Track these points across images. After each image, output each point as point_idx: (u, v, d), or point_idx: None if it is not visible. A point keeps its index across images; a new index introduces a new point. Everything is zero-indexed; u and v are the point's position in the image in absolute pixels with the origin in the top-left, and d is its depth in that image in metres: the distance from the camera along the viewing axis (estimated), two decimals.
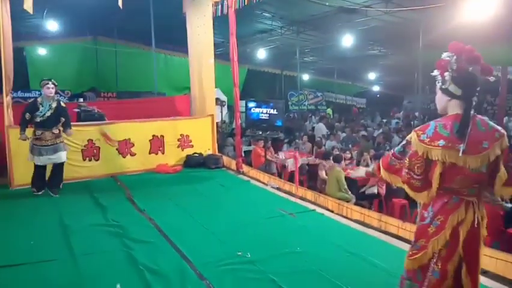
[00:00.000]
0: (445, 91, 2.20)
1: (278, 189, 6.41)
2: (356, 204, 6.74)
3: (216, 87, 9.15)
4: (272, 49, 16.46)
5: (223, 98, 14.01)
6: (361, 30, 11.92)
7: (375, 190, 7.51)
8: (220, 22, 8.72)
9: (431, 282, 2.15)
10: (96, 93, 14.19)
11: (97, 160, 7.00)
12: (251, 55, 16.79)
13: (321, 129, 13.51)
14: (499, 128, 2.15)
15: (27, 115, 5.56)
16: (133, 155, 7.33)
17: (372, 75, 21.94)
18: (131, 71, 14.91)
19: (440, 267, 2.13)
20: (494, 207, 5.63)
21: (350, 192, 7.39)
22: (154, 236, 4.29)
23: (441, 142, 2.05)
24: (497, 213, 5.70)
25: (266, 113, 9.56)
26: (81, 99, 12.24)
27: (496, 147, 2.05)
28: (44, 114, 5.57)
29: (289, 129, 15.13)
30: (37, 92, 13.91)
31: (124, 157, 7.23)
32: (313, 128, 16.03)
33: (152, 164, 7.46)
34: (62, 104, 5.81)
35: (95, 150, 6.94)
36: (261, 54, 16.48)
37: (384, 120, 17.77)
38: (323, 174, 8.17)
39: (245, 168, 7.66)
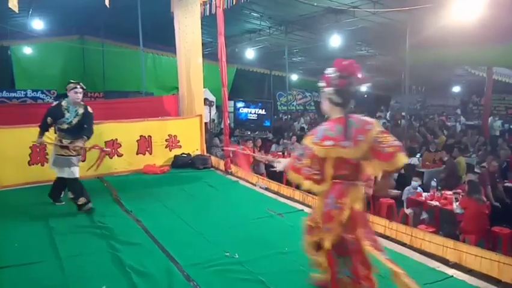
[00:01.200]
0: (329, 100, 2.74)
1: (267, 189, 6.41)
2: None
3: (204, 87, 9.12)
4: (261, 49, 16.45)
5: (212, 98, 13.96)
6: (349, 30, 11.97)
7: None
8: (208, 22, 8.69)
9: (352, 250, 2.70)
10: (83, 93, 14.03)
11: (83, 161, 6.90)
12: (240, 55, 16.76)
13: None
14: (370, 120, 2.67)
15: (49, 119, 5.02)
16: (120, 155, 7.26)
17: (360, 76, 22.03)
18: (118, 70, 14.79)
19: (352, 237, 2.68)
20: (480, 207, 5.72)
21: None
22: (141, 237, 4.26)
23: (329, 142, 2.60)
24: (483, 212, 5.80)
25: (255, 113, 9.54)
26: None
27: (368, 137, 2.56)
28: (71, 121, 5.02)
29: (278, 129, 15.15)
30: (23, 92, 13.75)
31: (111, 158, 7.15)
32: (301, 128, 16.08)
33: (139, 165, 7.40)
34: (90, 110, 5.21)
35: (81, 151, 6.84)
36: (250, 54, 16.46)
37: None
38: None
39: (233, 168, 7.64)
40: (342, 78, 2.69)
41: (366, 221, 2.83)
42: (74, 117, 5.04)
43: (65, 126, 5.00)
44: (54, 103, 5.19)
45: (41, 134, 5.12)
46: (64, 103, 5.06)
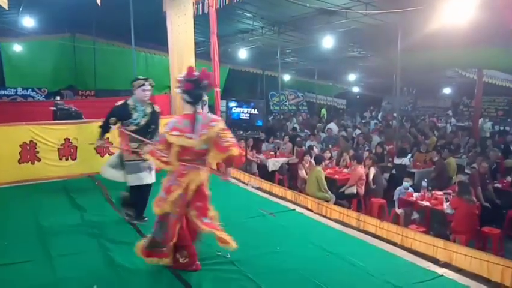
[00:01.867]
0: (182, 98, 3.43)
1: (259, 189, 6.41)
2: (335, 203, 6.81)
3: None
4: (253, 49, 16.45)
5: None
6: (341, 31, 12.01)
7: (354, 190, 7.60)
8: (201, 21, 8.68)
9: (172, 220, 3.35)
10: (74, 91, 13.94)
11: (74, 159, 6.86)
12: (232, 55, 16.74)
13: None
14: (216, 117, 3.50)
15: (113, 120, 4.56)
16: (111, 154, 7.19)
17: (352, 77, 22.16)
18: (110, 69, 14.69)
19: (177, 210, 3.35)
20: (470, 207, 5.77)
21: (329, 192, 7.47)
22: (132, 236, 4.23)
23: (176, 132, 3.27)
24: (473, 212, 5.85)
25: (247, 112, 9.55)
26: (58, 97, 12.00)
27: (211, 132, 3.28)
28: (139, 122, 4.53)
29: (270, 129, 15.17)
30: (13, 90, 13.60)
31: (102, 156, 7.10)
32: (294, 128, 16.12)
33: None
34: (157, 109, 4.78)
35: (71, 150, 6.80)
36: (242, 54, 16.45)
37: (363, 121, 17.99)
38: (303, 173, 8.23)
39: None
40: (188, 82, 3.37)
41: (203, 198, 3.46)
42: (143, 117, 4.54)
43: (133, 127, 4.49)
44: (120, 102, 4.58)
45: (102, 135, 4.69)
46: (130, 102, 4.54)
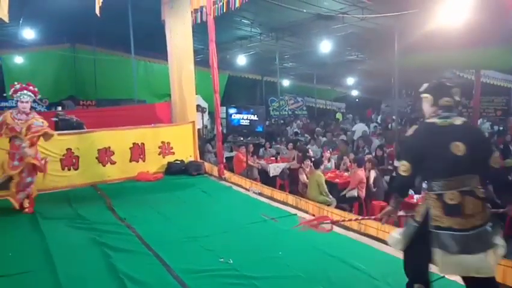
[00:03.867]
0: None
1: (260, 194, 6.44)
2: (336, 207, 6.84)
3: (196, 93, 9.16)
4: (252, 55, 16.54)
5: (204, 104, 13.98)
6: (338, 36, 12.10)
7: (355, 193, 7.63)
8: (199, 29, 8.75)
9: None
10: (75, 101, 14.00)
11: (76, 169, 6.91)
12: (231, 61, 16.83)
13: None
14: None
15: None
16: (113, 163, 7.26)
17: (350, 80, 22.25)
18: (110, 78, 14.75)
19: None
20: None
21: (330, 196, 7.49)
22: (135, 244, 4.27)
23: None
24: None
25: (247, 119, 9.58)
26: (59, 108, 12.07)
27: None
28: None
29: (271, 134, 15.22)
30: (14, 101, 13.65)
31: (104, 165, 7.16)
32: (295, 133, 16.20)
33: (133, 172, 7.40)
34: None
35: (74, 160, 6.86)
36: (241, 60, 16.53)
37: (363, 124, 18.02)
38: (303, 178, 8.26)
39: (227, 174, 7.67)
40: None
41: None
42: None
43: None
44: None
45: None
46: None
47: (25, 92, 5.34)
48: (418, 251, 2.69)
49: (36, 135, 5.42)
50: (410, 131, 2.83)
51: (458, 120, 2.67)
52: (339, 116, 22.59)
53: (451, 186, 2.57)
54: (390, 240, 2.97)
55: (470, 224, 2.53)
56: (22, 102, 5.32)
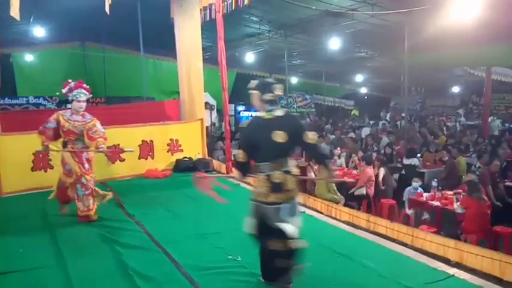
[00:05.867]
0: None
1: None
2: (345, 205, 6.82)
3: (205, 91, 9.17)
4: (260, 53, 16.51)
5: (213, 102, 14.01)
6: (348, 33, 12.03)
7: (363, 191, 7.60)
8: (208, 26, 8.76)
9: None
10: None
11: None
12: (240, 59, 16.82)
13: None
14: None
15: None
16: (122, 160, 7.31)
17: (359, 77, 22.13)
18: (120, 76, 14.84)
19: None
20: (481, 206, 5.74)
21: (339, 194, 7.47)
22: (144, 241, 4.30)
23: None
24: (484, 211, 5.82)
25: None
26: (69, 105, 12.15)
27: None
28: None
29: None
30: (25, 99, 13.80)
31: (113, 163, 7.20)
32: None
33: (141, 169, 7.45)
34: None
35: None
36: (250, 57, 16.52)
37: (372, 122, 17.95)
38: (312, 175, 8.23)
39: (235, 171, 7.66)
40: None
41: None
42: None
43: None
44: None
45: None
46: None
47: (81, 90, 4.87)
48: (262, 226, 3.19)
49: (102, 142, 4.94)
50: (244, 124, 3.41)
51: (280, 112, 3.20)
52: (355, 112, 22.57)
53: (275, 167, 3.08)
54: (246, 225, 3.34)
55: (289, 197, 3.11)
56: (79, 101, 4.86)
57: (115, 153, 6.58)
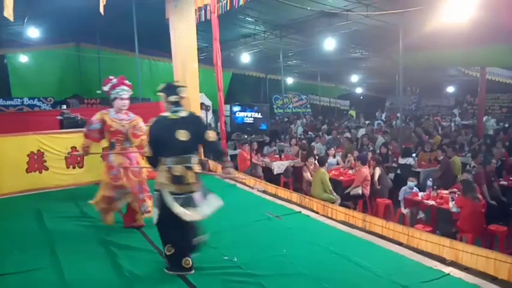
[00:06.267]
0: None
1: (264, 192, 6.44)
2: (341, 205, 6.83)
3: (200, 92, 9.16)
4: (256, 53, 16.53)
5: (208, 102, 14.00)
6: (343, 33, 12.07)
7: (359, 191, 7.61)
8: (203, 27, 8.75)
9: None
10: (79, 99, 14.06)
11: (81, 167, 6.94)
12: (235, 59, 16.83)
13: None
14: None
15: None
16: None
17: (354, 78, 22.20)
18: (115, 76, 14.80)
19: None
20: (476, 206, 5.77)
21: (334, 193, 7.48)
22: (140, 241, 4.29)
23: None
24: (479, 210, 5.85)
25: (251, 116, 9.58)
26: (64, 106, 12.12)
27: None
28: None
29: (275, 132, 15.21)
30: (19, 100, 13.74)
31: None
32: (305, 131, 16.22)
33: None
34: None
35: (79, 158, 6.88)
36: (245, 58, 16.53)
37: (367, 122, 18.01)
38: (307, 175, 8.25)
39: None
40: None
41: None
42: None
43: None
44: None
45: None
46: None
47: (123, 86, 4.61)
48: (165, 216, 3.45)
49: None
50: (151, 123, 3.60)
51: (184, 113, 3.55)
52: (352, 113, 22.60)
53: (178, 162, 3.41)
54: (154, 218, 3.58)
55: (189, 189, 3.44)
56: (122, 99, 4.59)
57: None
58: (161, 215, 3.47)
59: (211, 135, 3.53)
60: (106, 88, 4.63)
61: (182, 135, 3.42)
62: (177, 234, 3.47)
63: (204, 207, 3.48)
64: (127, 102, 4.64)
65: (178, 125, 3.44)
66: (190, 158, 3.47)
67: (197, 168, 3.52)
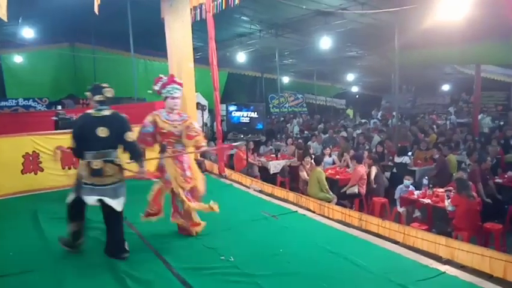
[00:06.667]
0: None
1: (260, 191, 6.44)
2: (337, 204, 6.84)
3: (196, 91, 9.14)
4: (252, 52, 16.51)
5: (204, 102, 13.98)
6: (338, 32, 12.07)
7: (356, 190, 7.62)
8: (199, 26, 8.73)
9: None
10: (75, 100, 13.99)
11: (76, 168, 6.90)
12: (231, 59, 16.81)
13: None
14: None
15: None
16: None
17: (350, 77, 22.22)
18: (110, 77, 14.67)
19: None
20: (471, 204, 5.79)
21: (331, 193, 7.49)
22: (136, 243, 4.28)
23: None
24: (475, 209, 5.87)
25: (247, 116, 9.59)
26: (59, 107, 12.08)
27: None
28: None
29: (271, 131, 15.22)
30: (14, 101, 13.68)
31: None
32: (301, 130, 16.23)
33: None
34: None
35: (74, 159, 6.84)
36: (241, 57, 16.50)
37: (364, 121, 18.04)
38: (304, 175, 8.26)
39: (227, 171, 7.67)
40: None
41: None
42: None
43: None
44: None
45: None
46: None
47: (174, 85, 4.42)
48: (76, 200, 3.85)
49: (202, 139, 4.51)
50: (76, 118, 4.07)
51: (108, 112, 3.87)
52: (349, 112, 22.64)
53: (97, 156, 3.76)
54: (68, 199, 3.93)
55: (109, 180, 3.82)
56: (173, 98, 4.38)
57: (222, 151, 5.59)
58: (75, 200, 3.84)
59: (130, 135, 3.87)
60: (156, 87, 4.47)
61: (103, 132, 3.77)
62: (83, 218, 3.99)
63: (121, 198, 3.93)
64: (178, 101, 4.45)
65: (99, 123, 3.77)
66: (109, 152, 3.82)
67: (117, 161, 3.88)
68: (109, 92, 3.92)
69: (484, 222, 5.80)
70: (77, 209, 3.90)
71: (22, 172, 6.46)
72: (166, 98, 4.40)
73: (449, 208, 6.07)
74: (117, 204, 3.87)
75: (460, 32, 9.02)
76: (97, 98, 3.86)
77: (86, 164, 3.75)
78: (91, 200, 3.75)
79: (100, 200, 3.80)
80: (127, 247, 3.97)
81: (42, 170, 6.58)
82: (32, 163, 6.51)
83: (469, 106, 19.95)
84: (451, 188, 6.67)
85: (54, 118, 7.54)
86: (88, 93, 3.91)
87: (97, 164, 3.74)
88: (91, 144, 3.75)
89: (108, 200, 3.80)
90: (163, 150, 4.45)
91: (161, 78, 4.47)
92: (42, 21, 11.63)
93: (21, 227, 4.88)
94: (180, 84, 4.49)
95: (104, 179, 3.79)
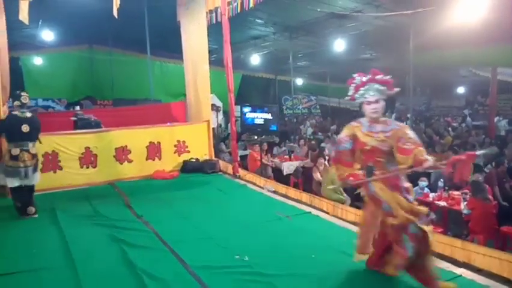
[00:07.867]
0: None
1: (274, 192, 6.48)
2: (351, 205, 6.83)
3: (211, 93, 9.24)
4: (266, 55, 16.58)
5: (219, 103, 14.06)
6: (353, 34, 12.06)
7: None
8: (214, 29, 8.81)
9: None
10: (92, 101, 14.22)
11: (94, 167, 7.05)
12: (245, 61, 16.90)
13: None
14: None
15: None
16: (130, 161, 7.38)
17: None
18: (127, 78, 14.95)
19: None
20: (487, 207, 5.74)
21: (345, 194, 7.49)
22: (152, 241, 4.34)
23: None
24: (491, 212, 5.81)
25: (261, 117, 9.64)
26: (77, 108, 12.29)
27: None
28: None
29: (284, 133, 15.24)
30: (33, 101, 13.95)
31: (121, 164, 7.28)
32: (313, 132, 16.22)
33: (149, 170, 7.51)
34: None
35: (92, 158, 7.00)
36: (255, 59, 16.59)
37: None
38: (317, 176, 8.27)
39: (241, 172, 7.72)
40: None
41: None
42: None
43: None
44: None
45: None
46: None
47: (369, 85, 3.23)
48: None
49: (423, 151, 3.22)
50: (4, 117, 5.73)
51: (29, 114, 5.29)
52: None
53: (17, 146, 5.13)
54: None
55: (24, 164, 5.16)
56: (369, 102, 3.25)
57: (466, 165, 3.24)
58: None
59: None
60: (350, 93, 3.37)
61: (25, 128, 5.13)
62: (19, 194, 5.22)
63: (35, 177, 5.30)
64: (377, 106, 3.25)
65: (23, 121, 5.14)
66: (27, 143, 5.16)
67: (33, 150, 5.24)
68: (25, 98, 5.26)
69: (501, 225, 5.74)
70: (15, 189, 5.24)
71: (42, 171, 6.58)
72: (362, 104, 3.33)
73: (465, 211, 6.02)
74: (29, 181, 5.27)
75: (476, 34, 8.95)
76: (17, 103, 5.24)
77: (9, 151, 5.16)
78: (7, 181, 5.21)
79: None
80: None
81: (61, 168, 6.73)
82: (51, 162, 6.66)
83: (484, 109, 19.67)
84: (466, 190, 6.62)
85: (73, 118, 7.70)
86: (11, 99, 5.30)
87: (16, 152, 5.12)
88: (14, 136, 5.17)
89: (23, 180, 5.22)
90: (368, 173, 3.27)
91: (353, 79, 3.32)
92: (62, 24, 11.87)
93: (39, 224, 4.99)
94: (382, 82, 3.23)
95: (21, 163, 5.15)
